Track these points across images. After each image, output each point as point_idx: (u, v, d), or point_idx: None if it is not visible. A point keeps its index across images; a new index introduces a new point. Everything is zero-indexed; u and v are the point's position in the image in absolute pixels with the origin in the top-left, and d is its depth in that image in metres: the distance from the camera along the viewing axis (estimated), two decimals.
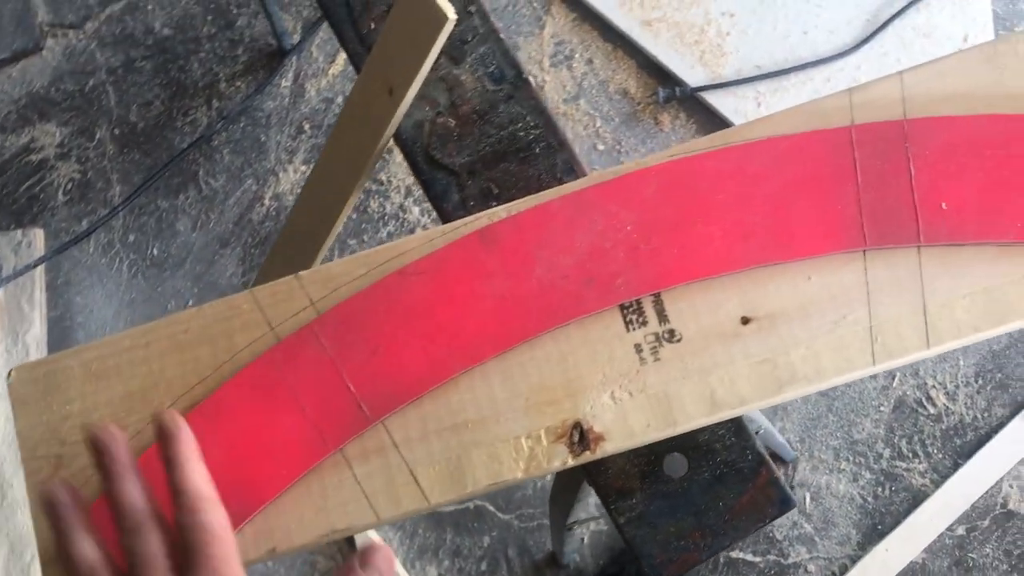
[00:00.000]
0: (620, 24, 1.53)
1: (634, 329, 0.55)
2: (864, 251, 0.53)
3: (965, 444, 1.35)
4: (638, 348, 0.54)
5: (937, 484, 1.33)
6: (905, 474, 1.35)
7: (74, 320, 1.54)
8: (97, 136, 1.64)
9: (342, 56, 1.64)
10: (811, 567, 1.33)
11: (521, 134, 0.64)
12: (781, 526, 1.35)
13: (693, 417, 0.53)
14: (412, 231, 1.53)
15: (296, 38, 1.64)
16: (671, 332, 0.54)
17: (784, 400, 0.53)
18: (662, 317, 0.54)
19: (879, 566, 1.30)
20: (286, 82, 1.64)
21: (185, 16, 1.70)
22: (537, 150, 0.64)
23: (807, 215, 0.54)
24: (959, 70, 0.55)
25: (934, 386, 1.38)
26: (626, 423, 0.54)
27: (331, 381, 0.55)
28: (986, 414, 1.37)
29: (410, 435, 0.54)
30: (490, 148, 0.64)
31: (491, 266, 0.56)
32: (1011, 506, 1.33)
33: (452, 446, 0.54)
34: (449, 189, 0.64)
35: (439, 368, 0.55)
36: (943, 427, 1.37)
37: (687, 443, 0.58)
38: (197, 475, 0.48)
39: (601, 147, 1.52)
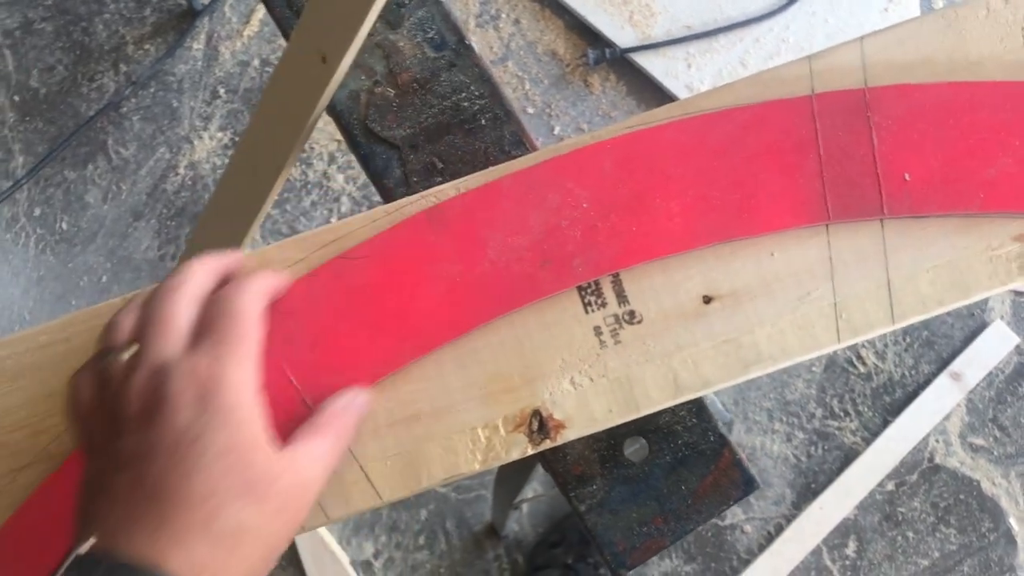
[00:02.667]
0: None
1: (593, 311, 0.52)
2: (827, 225, 0.52)
3: (894, 401, 1.38)
4: (598, 331, 0.52)
5: (868, 441, 1.36)
6: (837, 433, 1.37)
7: None
8: None
9: (257, 17, 1.57)
10: (747, 527, 1.34)
11: (465, 104, 0.60)
12: None
13: (656, 401, 0.51)
14: (337, 199, 1.48)
15: None
16: (631, 313, 0.52)
17: (749, 379, 0.52)
18: (622, 298, 0.52)
19: (813, 524, 1.32)
20: (198, 44, 1.56)
21: None
22: (483, 121, 0.60)
23: (769, 189, 0.52)
24: (920, 35, 0.53)
25: (864, 345, 1.40)
26: (587, 409, 0.51)
27: (272, 375, 0.51)
28: (913, 371, 1.39)
29: (359, 430, 0.51)
30: (433, 120, 0.60)
31: (441, 248, 0.52)
32: (937, 460, 1.36)
33: (405, 440, 0.51)
34: (390, 164, 0.60)
35: (388, 357, 0.52)
36: (873, 385, 1.39)
37: (647, 426, 0.56)
38: (250, 295, 0.46)
39: (531, 110, 1.48)
